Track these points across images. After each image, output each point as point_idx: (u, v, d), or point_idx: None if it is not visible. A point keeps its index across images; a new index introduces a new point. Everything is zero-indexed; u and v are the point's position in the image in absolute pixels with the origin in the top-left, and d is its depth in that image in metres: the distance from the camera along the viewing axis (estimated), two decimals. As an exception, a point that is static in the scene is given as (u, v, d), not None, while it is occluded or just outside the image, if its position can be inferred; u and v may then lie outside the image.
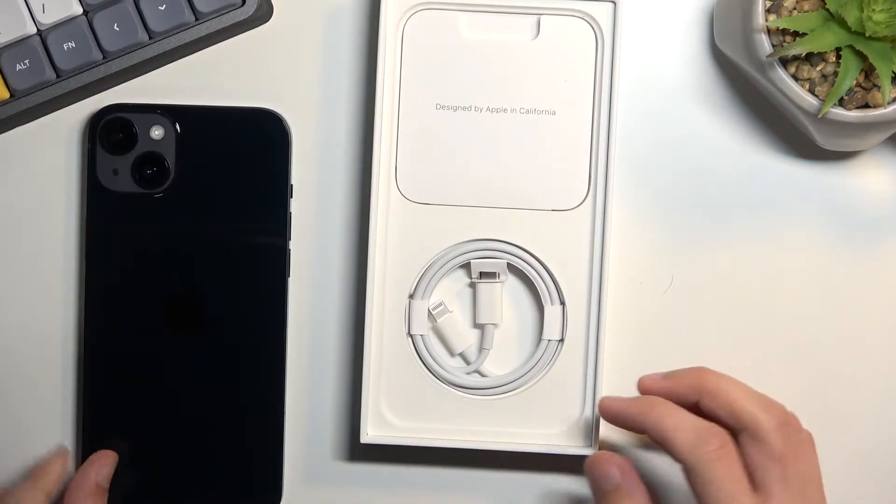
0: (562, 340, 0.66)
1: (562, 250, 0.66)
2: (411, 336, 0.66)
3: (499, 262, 0.66)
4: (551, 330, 0.66)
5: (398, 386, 0.66)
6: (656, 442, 0.60)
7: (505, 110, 0.66)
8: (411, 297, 0.66)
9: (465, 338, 0.67)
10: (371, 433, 0.66)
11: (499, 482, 0.68)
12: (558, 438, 0.66)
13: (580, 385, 0.66)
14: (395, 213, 0.66)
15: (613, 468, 0.61)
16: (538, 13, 0.65)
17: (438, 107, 0.66)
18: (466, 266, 0.67)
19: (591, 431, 0.65)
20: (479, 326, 0.67)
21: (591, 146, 0.65)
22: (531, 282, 0.66)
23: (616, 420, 0.62)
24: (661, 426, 0.59)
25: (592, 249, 0.65)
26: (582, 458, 0.62)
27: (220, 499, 0.67)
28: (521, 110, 0.66)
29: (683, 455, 0.58)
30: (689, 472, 0.58)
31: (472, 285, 0.67)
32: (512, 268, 0.67)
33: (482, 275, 0.67)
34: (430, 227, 0.66)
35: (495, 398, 0.66)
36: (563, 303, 0.66)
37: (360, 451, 0.68)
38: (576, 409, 0.66)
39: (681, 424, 0.59)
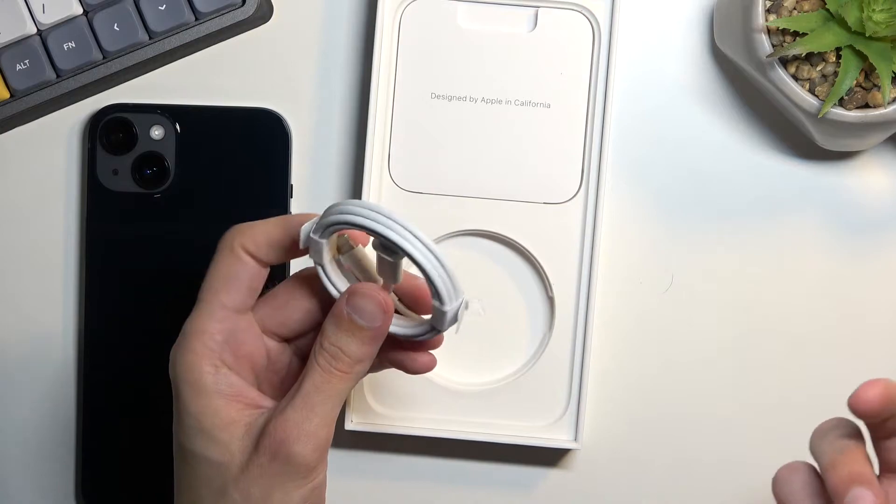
0: (549, 334, 0.66)
1: (552, 244, 0.65)
2: None
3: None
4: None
5: (383, 375, 0.65)
6: None
7: (500, 102, 0.66)
8: None
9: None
10: (355, 420, 0.66)
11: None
12: (542, 431, 0.65)
13: (566, 379, 0.65)
14: (387, 200, 0.66)
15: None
16: (536, 6, 0.65)
17: (433, 96, 0.66)
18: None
19: (576, 426, 0.65)
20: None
21: (584, 140, 0.65)
22: (520, 274, 0.66)
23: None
24: None
25: (583, 244, 0.65)
26: (566, 451, 0.61)
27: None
28: (516, 102, 0.66)
29: None
30: None
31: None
32: (501, 259, 0.66)
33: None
34: (422, 216, 0.65)
35: (480, 389, 0.66)
36: (551, 297, 0.66)
37: (344, 438, 0.67)
38: (561, 402, 0.65)
39: None
